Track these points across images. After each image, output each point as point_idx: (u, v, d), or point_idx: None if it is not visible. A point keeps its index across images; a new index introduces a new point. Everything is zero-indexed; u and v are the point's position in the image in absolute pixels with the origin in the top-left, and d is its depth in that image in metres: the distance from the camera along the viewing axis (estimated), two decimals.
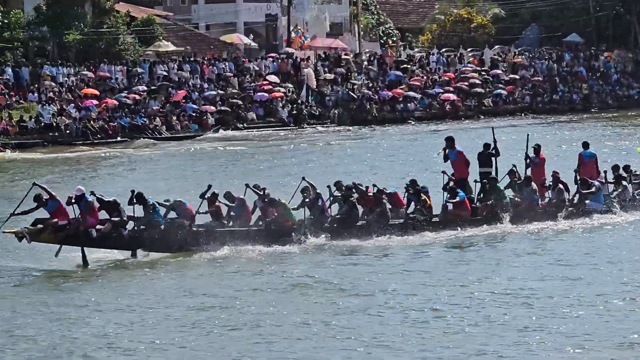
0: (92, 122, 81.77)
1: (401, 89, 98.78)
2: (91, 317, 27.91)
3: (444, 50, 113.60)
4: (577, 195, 40.10)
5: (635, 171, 42.48)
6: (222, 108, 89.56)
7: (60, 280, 32.78)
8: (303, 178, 37.97)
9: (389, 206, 37.95)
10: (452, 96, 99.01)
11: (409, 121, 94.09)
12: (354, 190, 37.87)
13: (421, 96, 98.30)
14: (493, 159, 40.23)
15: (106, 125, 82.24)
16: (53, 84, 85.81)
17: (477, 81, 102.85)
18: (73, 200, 34.35)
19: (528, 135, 41.23)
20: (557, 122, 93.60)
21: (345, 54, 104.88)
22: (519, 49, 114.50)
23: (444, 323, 26.56)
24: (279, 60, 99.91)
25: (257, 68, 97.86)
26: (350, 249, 35.97)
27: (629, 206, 40.11)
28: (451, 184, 39.00)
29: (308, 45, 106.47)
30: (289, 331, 26.15)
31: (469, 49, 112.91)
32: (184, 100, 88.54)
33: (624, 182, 40.60)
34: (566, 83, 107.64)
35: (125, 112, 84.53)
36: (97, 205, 34.92)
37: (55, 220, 33.76)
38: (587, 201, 39.51)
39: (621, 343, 24.53)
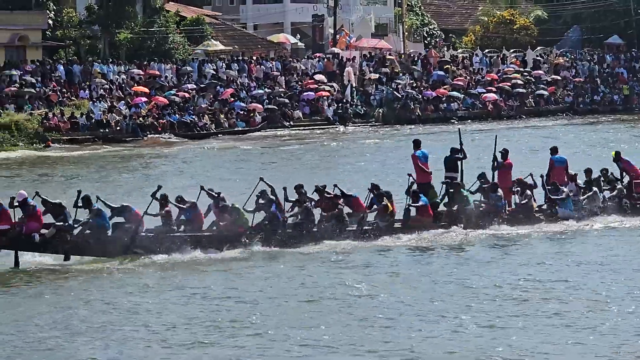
0: (141, 119, 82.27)
1: (444, 88, 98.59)
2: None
3: (486, 51, 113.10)
4: (546, 200, 39.47)
5: (612, 174, 41.57)
6: (269, 106, 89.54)
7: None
8: (261, 178, 36.76)
9: (348, 210, 37.01)
10: (495, 96, 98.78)
11: (452, 120, 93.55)
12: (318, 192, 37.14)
13: (464, 96, 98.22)
14: (459, 163, 39.28)
15: (155, 122, 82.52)
16: (104, 81, 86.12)
17: (519, 82, 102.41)
18: (16, 204, 33.40)
19: (496, 137, 40.50)
20: (597, 122, 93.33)
21: (390, 54, 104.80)
22: (561, 50, 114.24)
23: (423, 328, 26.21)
24: (325, 60, 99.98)
25: (303, 67, 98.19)
26: (305, 254, 34.91)
27: (599, 212, 39.39)
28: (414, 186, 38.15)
29: (353, 45, 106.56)
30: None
31: (511, 50, 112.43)
32: (232, 99, 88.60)
33: (594, 188, 39.78)
34: (607, 84, 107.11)
35: (175, 109, 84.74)
36: (40, 209, 33.92)
37: None
38: (556, 207, 38.82)
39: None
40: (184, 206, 35.28)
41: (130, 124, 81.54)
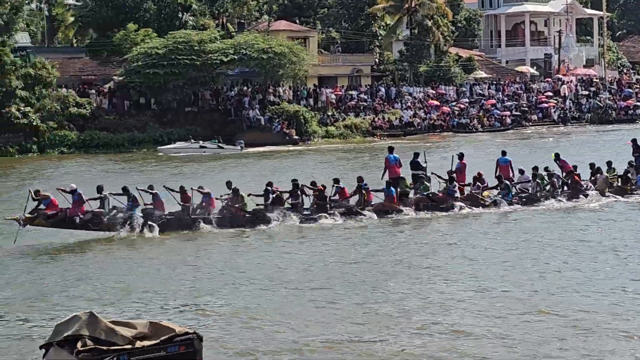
0: (433, 121, 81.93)
1: (632, 100, 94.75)
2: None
3: None
4: (497, 189, 34.81)
5: (553, 171, 36.55)
6: (515, 113, 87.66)
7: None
8: (269, 183, 32.38)
9: (336, 197, 32.58)
10: None
11: (637, 121, 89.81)
12: (309, 186, 32.59)
13: None
14: (423, 164, 35.19)
15: (443, 123, 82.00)
16: (410, 97, 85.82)
17: None
18: (68, 190, 30.10)
19: (453, 156, 36.10)
20: None
21: (595, 78, 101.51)
22: None
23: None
24: (552, 82, 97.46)
25: (538, 87, 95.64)
26: (298, 230, 30.65)
27: (534, 200, 34.52)
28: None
29: (571, 72, 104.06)
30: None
31: None
32: (491, 108, 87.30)
33: (537, 180, 35.05)
34: None
35: (455, 115, 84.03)
36: (86, 198, 30.10)
37: (46, 210, 29.58)
38: (495, 193, 34.29)
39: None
40: (204, 192, 31.01)
41: (426, 124, 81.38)
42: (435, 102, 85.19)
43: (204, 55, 73.20)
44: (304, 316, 19.44)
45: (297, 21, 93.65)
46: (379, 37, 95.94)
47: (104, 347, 12.80)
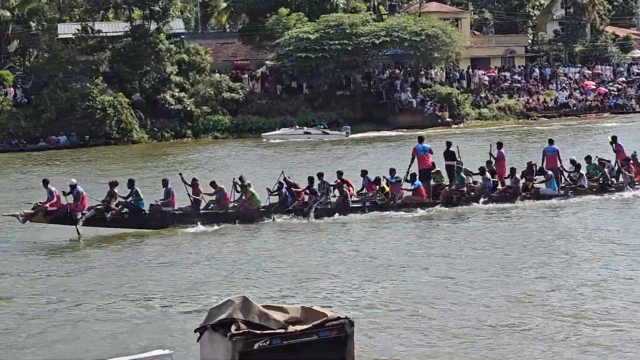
0: (590, 103, 79.76)
1: None
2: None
3: None
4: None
5: (607, 160, 33.21)
6: None
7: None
8: (282, 172, 31.05)
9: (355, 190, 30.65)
10: None
11: None
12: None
13: None
14: (455, 154, 32.14)
15: (599, 105, 79.72)
16: (565, 78, 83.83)
17: None
18: (68, 191, 28.40)
19: (491, 145, 33.53)
20: None
21: None
22: None
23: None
24: None
25: None
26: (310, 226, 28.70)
27: (582, 192, 31.36)
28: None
29: None
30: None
31: None
32: None
33: (581, 171, 31.79)
34: None
35: (612, 96, 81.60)
36: (85, 195, 28.57)
37: (46, 206, 28.03)
38: (542, 186, 31.09)
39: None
40: (214, 189, 29.56)
41: (582, 105, 79.38)
42: (592, 84, 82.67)
43: (355, 38, 73.21)
44: (452, 303, 18.78)
45: (449, 2, 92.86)
46: (533, 17, 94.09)
47: (257, 331, 12.88)
